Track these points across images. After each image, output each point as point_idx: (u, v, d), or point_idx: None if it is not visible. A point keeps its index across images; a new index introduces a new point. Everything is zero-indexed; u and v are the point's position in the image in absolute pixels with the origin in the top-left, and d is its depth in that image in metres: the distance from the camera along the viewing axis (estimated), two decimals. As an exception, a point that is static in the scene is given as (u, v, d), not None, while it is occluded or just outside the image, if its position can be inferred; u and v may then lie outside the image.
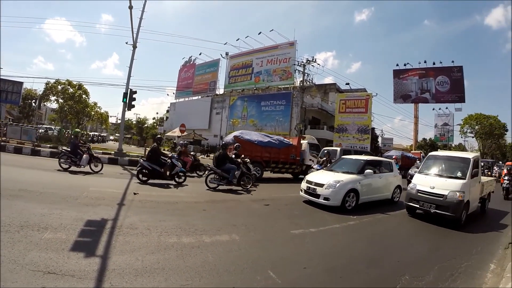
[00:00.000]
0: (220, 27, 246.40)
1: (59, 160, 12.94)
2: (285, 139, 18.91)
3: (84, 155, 12.92)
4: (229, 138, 16.76)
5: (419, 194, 9.44)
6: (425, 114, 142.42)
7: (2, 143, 18.84)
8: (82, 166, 12.86)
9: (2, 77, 35.19)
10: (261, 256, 5.20)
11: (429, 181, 9.49)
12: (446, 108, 46.27)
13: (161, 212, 7.47)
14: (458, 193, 8.60)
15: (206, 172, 12.30)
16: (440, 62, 41.35)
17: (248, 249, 5.44)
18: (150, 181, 11.86)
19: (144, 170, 11.82)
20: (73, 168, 12.96)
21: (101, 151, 23.44)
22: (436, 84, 41.12)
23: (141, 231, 5.75)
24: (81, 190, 8.84)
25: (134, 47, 21.61)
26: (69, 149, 13.14)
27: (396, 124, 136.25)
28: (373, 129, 43.73)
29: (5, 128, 24.39)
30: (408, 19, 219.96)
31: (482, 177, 11.31)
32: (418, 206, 9.40)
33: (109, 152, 22.45)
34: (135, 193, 9.25)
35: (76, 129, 15.29)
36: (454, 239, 7.60)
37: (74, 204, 7.25)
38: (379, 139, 51.43)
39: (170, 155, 12.73)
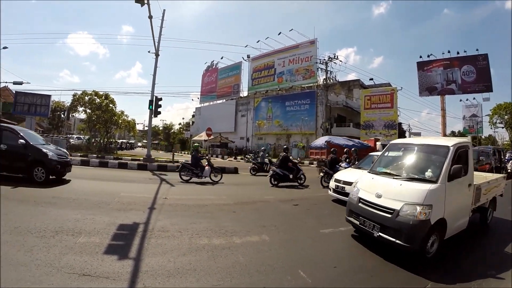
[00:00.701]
0: (239, 31, 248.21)
1: (180, 172, 13.77)
2: (364, 142, 20.64)
3: (206, 167, 13.86)
4: (319, 142, 17.85)
5: (360, 204, 6.13)
6: (453, 105, 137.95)
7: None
8: (204, 177, 13.70)
9: (31, 92, 36.76)
10: (291, 256, 5.18)
11: (377, 184, 6.04)
12: (474, 98, 44.84)
13: (192, 215, 7.56)
14: (418, 208, 5.05)
15: (321, 174, 14.25)
16: (464, 51, 39.77)
17: (278, 249, 5.42)
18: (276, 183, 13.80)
19: (276, 176, 13.70)
20: (194, 180, 13.75)
21: (130, 157, 23.95)
22: (461, 74, 39.56)
23: (172, 234, 5.83)
24: (112, 196, 9.05)
25: (157, 55, 22.01)
26: (190, 162, 14.01)
27: (423, 118, 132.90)
28: (400, 124, 42.86)
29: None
30: (427, 9, 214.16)
31: (482, 174, 8.76)
32: (358, 223, 6.02)
33: (138, 158, 22.90)
34: (165, 198, 9.39)
35: (196, 144, 16.52)
36: (484, 241, 7.32)
37: (106, 210, 7.43)
38: (407, 134, 50.36)
39: (297, 162, 14.73)
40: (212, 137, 36.63)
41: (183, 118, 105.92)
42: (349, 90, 48.05)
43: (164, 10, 22.30)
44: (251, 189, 12.74)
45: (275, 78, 50.08)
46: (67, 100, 52.42)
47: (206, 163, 14.08)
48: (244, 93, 56.31)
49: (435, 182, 5.36)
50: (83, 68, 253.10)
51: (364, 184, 6.44)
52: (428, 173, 5.69)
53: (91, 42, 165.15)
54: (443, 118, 41.90)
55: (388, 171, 6.43)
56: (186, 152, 48.18)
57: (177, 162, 20.43)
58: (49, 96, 38.71)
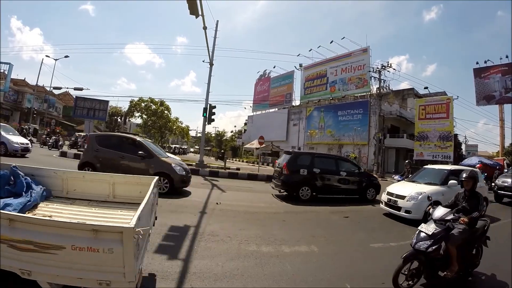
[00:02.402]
0: (291, 40, 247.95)
1: None
2: (495, 161, 21.97)
3: None
4: (473, 162, 18.30)
5: None
6: None
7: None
8: None
9: (91, 97, 39.67)
10: (339, 268, 5.14)
11: None
12: (535, 107, 41.69)
13: (242, 221, 7.70)
14: None
15: None
16: None
17: (327, 261, 5.40)
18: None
19: None
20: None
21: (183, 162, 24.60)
22: None
23: (221, 238, 5.97)
24: (164, 198, 9.34)
25: (211, 64, 22.61)
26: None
27: (479, 129, 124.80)
28: (455, 135, 40.54)
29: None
30: (479, 12, 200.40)
31: None
32: None
33: (191, 163, 23.45)
34: (217, 203, 9.57)
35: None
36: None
37: (158, 211, 7.65)
38: (463, 146, 47.70)
39: None
40: (264, 145, 36.87)
41: (235, 126, 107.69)
42: (403, 100, 46.48)
43: (218, 21, 22.95)
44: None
45: (327, 87, 49.53)
46: (124, 105, 55.47)
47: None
48: (296, 102, 56.22)
49: None
50: (140, 76, 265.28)
51: None
52: None
53: (148, 52, 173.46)
54: (502, 129, 39.18)
55: None
56: (238, 159, 48.85)
57: (229, 168, 20.72)
58: (107, 101, 41.46)
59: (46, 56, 59.57)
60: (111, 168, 9.50)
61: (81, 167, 10.78)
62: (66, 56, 43.58)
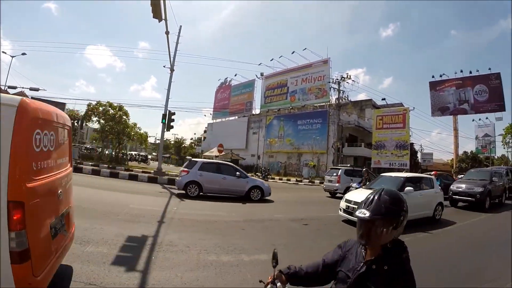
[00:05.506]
0: (253, 49, 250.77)
1: None
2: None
3: None
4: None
5: None
6: (465, 125, 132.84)
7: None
8: None
9: (46, 98, 38.03)
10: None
11: None
12: (487, 118, 44.75)
13: (201, 230, 7.50)
14: None
15: None
16: (477, 71, 39.78)
17: (287, 269, 5.31)
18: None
19: None
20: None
21: (140, 170, 24.03)
22: (474, 93, 39.42)
23: (180, 249, 5.78)
24: (121, 207, 9.08)
25: (172, 70, 22.30)
26: None
27: (434, 138, 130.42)
28: (411, 144, 42.29)
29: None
30: (434, 31, 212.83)
31: None
32: None
33: (149, 171, 22.93)
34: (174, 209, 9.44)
35: None
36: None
37: (115, 220, 7.45)
38: (419, 155, 49.72)
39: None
40: (223, 153, 36.68)
41: (194, 134, 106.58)
42: (361, 110, 47.93)
43: (181, 26, 22.90)
44: (260, 207, 12.57)
45: (287, 96, 50.24)
46: (81, 109, 53.57)
47: None
48: (256, 110, 56.61)
49: None
50: (99, 79, 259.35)
51: None
52: None
53: (109, 55, 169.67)
54: (456, 138, 41.71)
55: None
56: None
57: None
58: (63, 104, 39.97)
59: (3, 52, 56.68)
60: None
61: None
62: (23, 54, 41.46)
